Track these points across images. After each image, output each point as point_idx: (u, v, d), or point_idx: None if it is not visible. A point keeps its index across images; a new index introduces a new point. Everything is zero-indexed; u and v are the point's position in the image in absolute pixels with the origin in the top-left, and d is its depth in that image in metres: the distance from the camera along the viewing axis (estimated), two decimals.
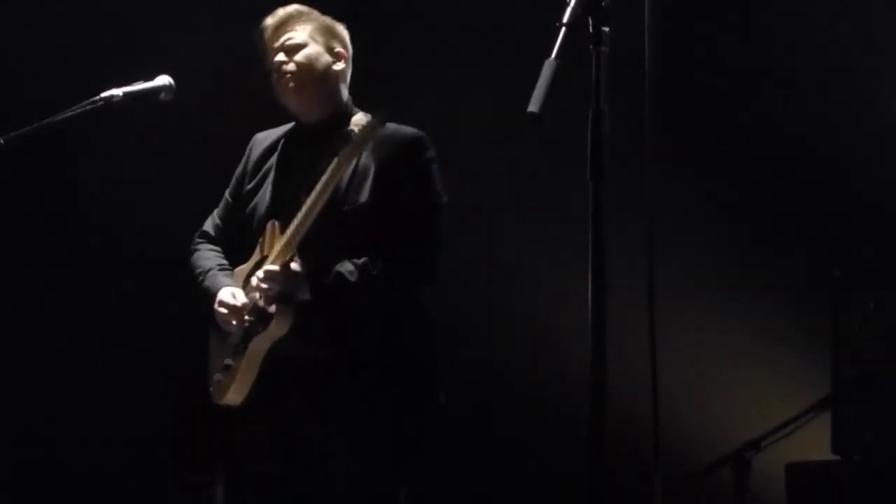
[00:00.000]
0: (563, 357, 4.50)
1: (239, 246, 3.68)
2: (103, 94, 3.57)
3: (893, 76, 5.03)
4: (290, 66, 3.59)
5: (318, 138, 3.57)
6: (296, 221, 3.42)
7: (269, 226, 3.54)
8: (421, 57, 5.22)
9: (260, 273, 3.45)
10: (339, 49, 3.65)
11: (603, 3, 2.48)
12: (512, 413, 5.35)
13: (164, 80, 3.69)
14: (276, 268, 3.42)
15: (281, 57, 3.60)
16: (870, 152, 5.06)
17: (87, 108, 3.54)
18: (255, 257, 3.58)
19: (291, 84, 3.59)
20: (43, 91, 4.73)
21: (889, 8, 5.01)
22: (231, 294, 3.56)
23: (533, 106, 2.38)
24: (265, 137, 3.75)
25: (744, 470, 3.99)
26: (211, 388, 3.62)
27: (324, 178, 3.39)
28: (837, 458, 4.36)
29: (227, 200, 3.78)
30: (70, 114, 3.52)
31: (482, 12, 5.28)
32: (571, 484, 4.59)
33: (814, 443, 4.37)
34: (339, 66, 3.64)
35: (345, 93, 3.66)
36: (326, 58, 3.62)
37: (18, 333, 5.27)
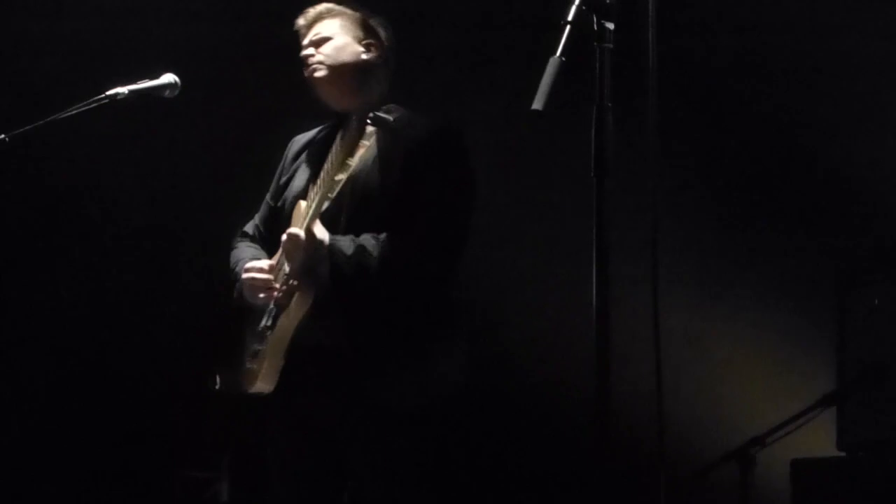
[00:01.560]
0: (566, 354, 4.50)
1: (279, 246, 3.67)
2: (108, 92, 3.58)
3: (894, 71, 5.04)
4: (317, 57, 3.61)
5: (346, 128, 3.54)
6: (314, 192, 3.43)
7: (296, 207, 3.54)
8: (422, 54, 5.22)
9: (284, 236, 3.43)
10: (370, 40, 3.63)
11: (606, 1, 2.48)
12: (516, 410, 5.34)
13: (169, 77, 3.70)
14: (299, 231, 3.40)
15: (309, 51, 3.63)
16: (874, 148, 5.06)
17: (93, 105, 3.55)
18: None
19: (317, 74, 3.60)
20: (48, 88, 4.74)
21: (890, 4, 5.00)
22: (258, 259, 3.57)
23: (537, 103, 2.38)
24: (301, 138, 3.77)
25: (749, 466, 3.99)
26: (241, 378, 3.58)
27: (336, 150, 3.40)
28: (842, 454, 4.37)
29: (268, 203, 3.77)
30: (75, 111, 3.53)
31: (483, 9, 5.28)
32: (576, 482, 4.61)
33: (819, 439, 4.37)
34: (369, 56, 3.62)
35: (379, 85, 3.62)
36: (355, 48, 3.62)
37: (19, 330, 5.28)
